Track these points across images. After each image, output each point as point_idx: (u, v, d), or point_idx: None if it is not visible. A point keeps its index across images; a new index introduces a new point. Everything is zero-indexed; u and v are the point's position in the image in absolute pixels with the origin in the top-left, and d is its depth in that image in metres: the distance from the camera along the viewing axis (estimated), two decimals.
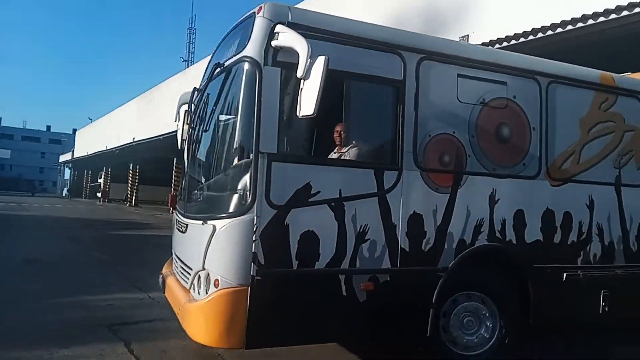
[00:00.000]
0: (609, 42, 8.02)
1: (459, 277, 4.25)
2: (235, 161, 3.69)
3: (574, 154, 4.78)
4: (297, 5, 6.14)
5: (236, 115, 3.73)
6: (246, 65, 3.63)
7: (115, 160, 37.36)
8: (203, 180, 4.48)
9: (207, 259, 3.63)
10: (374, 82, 4.01)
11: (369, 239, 3.86)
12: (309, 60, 3.39)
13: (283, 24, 3.60)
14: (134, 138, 28.65)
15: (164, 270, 4.86)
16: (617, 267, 4.97)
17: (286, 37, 3.54)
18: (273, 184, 3.53)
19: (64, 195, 53.38)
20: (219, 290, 3.48)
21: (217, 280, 3.52)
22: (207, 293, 3.58)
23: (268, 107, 3.51)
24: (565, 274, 4.65)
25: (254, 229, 3.47)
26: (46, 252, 10.28)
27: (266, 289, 3.51)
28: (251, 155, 3.52)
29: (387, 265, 3.92)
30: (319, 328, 3.79)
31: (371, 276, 3.86)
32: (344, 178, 3.84)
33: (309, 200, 3.66)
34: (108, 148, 34.56)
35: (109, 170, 40.67)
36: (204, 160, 4.52)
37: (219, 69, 4.15)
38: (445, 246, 4.14)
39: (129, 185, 36.26)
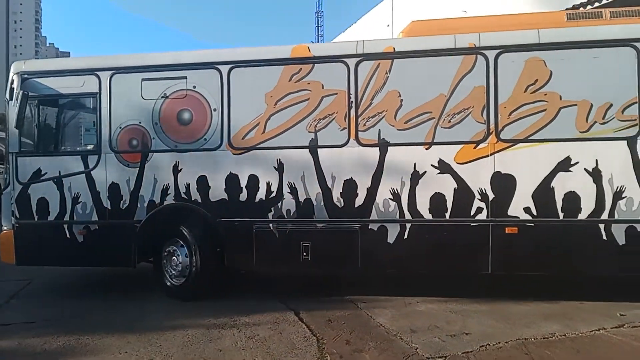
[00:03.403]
0: None
1: (160, 228, 5.84)
2: (8, 157, 6.25)
3: (258, 126, 5.57)
4: None
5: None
6: (6, 102, 6.16)
7: None
8: None
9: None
10: (82, 97, 6.04)
11: (81, 201, 5.92)
12: (15, 92, 5.77)
13: (17, 74, 5.98)
14: None
15: None
16: (318, 221, 5.50)
17: (14, 82, 5.93)
18: (19, 170, 6.01)
19: None
20: (2, 230, 6.19)
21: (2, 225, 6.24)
22: None
23: (12, 124, 5.94)
24: (255, 226, 5.60)
25: (12, 197, 6.03)
26: None
27: (21, 232, 6.05)
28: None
29: (95, 219, 5.90)
30: (55, 257, 6.10)
31: (84, 226, 5.93)
32: (62, 163, 6.00)
33: (41, 178, 5.99)
34: None
35: None
36: None
37: None
38: (139, 205, 5.81)
39: None
